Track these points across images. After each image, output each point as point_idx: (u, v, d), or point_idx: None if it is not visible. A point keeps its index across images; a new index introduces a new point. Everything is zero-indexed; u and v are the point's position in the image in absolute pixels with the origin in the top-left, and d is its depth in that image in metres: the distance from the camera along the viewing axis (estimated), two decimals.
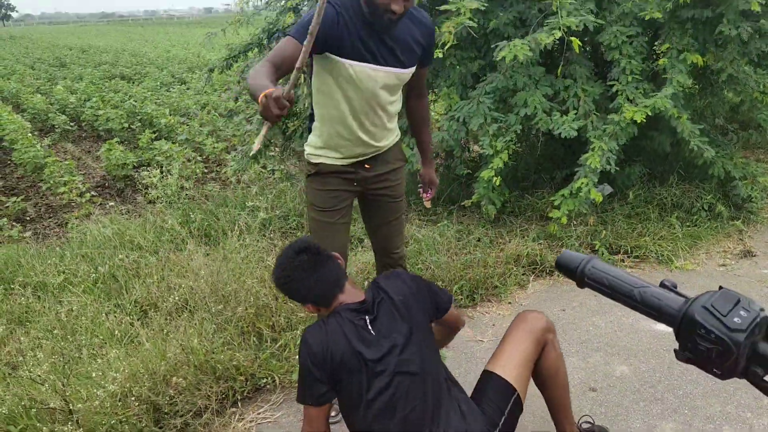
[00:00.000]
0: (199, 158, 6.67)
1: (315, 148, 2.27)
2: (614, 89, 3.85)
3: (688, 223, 4.13)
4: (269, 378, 2.69)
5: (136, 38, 29.80)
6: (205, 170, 6.44)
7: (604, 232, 3.97)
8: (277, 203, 4.36)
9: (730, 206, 4.26)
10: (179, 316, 2.99)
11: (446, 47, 3.54)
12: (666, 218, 4.16)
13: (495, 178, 3.75)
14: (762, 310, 0.72)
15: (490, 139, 3.83)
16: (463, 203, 4.18)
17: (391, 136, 2.33)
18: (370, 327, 1.79)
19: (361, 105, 2.11)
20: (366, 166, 2.30)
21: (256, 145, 1.63)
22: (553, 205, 3.80)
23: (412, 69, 2.15)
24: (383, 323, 1.80)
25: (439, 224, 4.10)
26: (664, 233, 3.98)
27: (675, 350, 0.76)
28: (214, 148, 6.98)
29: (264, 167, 5.75)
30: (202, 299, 3.05)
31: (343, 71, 2.00)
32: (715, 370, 0.72)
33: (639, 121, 3.61)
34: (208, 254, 3.60)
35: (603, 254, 3.77)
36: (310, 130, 2.29)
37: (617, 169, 3.80)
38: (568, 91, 3.91)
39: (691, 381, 2.61)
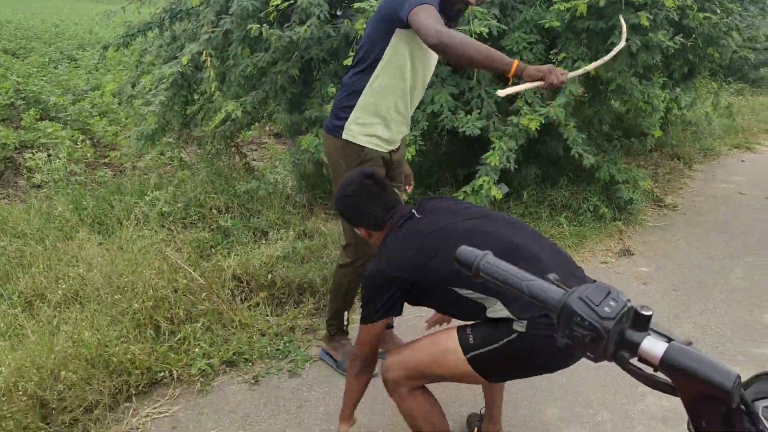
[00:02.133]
0: (89, 141, 6.29)
1: (364, 126, 2.34)
2: None
3: (575, 223, 4.41)
4: (166, 372, 2.60)
5: (21, 9, 27.53)
6: (96, 155, 6.09)
7: None
8: (179, 192, 4.20)
9: (613, 208, 4.58)
10: (69, 308, 2.82)
11: None
12: (556, 218, 4.42)
13: None
14: (628, 300, 0.81)
15: None
16: None
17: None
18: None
19: (418, 79, 2.35)
20: (394, 150, 2.49)
21: (509, 91, 1.94)
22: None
23: None
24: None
25: None
26: (553, 232, 4.22)
27: (555, 335, 0.84)
28: (105, 131, 6.61)
29: (162, 154, 5.52)
30: (95, 291, 2.90)
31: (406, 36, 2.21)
32: (588, 353, 0.80)
33: (533, 129, 3.81)
34: (101, 243, 3.42)
35: None
36: (343, 112, 2.35)
37: (516, 167, 4.00)
38: (473, 92, 4.05)
39: (571, 371, 2.78)
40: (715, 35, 4.33)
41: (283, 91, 4.11)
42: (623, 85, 4.09)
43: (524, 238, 1.78)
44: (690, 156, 6.46)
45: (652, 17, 3.72)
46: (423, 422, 1.85)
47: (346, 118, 2.34)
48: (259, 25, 3.67)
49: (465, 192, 3.85)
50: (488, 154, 3.84)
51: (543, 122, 3.85)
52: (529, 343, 1.65)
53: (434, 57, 2.37)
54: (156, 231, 3.67)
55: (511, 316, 1.66)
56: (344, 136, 2.35)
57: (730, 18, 4.40)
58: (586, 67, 2.12)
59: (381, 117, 2.34)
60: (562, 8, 3.82)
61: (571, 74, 2.04)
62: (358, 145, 2.35)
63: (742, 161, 6.73)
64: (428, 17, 2.01)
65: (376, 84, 2.29)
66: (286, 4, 3.73)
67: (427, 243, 1.81)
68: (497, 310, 1.68)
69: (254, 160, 5.94)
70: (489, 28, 3.68)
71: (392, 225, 1.96)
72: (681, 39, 4.01)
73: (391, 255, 1.86)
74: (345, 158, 2.38)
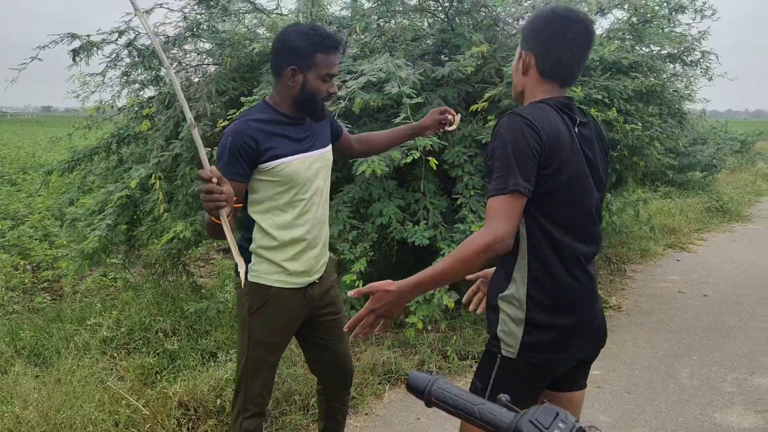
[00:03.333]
0: (28, 266, 6.09)
1: (268, 271, 2.11)
2: (458, 202, 4.19)
3: None
4: None
5: None
6: (35, 279, 5.87)
7: (454, 338, 4.15)
8: (122, 316, 4.06)
9: None
10: None
11: None
12: None
13: (357, 282, 3.83)
14: (577, 421, 0.84)
15: (349, 245, 3.94)
16: None
17: (327, 243, 2.29)
18: (576, 129, 1.68)
19: (304, 198, 2.10)
20: (315, 282, 2.21)
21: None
22: (408, 310, 3.93)
23: (330, 147, 2.25)
24: (587, 137, 1.71)
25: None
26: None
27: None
28: (46, 255, 6.42)
29: (104, 275, 5.38)
30: (30, 430, 2.69)
31: (280, 171, 2.02)
32: None
33: None
34: (38, 376, 3.23)
35: (453, 360, 3.92)
36: (245, 252, 2.12)
37: None
38: (419, 203, 4.19)
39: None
40: (639, 145, 4.67)
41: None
42: None
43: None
44: (628, 257, 6.72)
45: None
46: None
47: (249, 260, 2.12)
48: (209, 148, 3.75)
49: (418, 301, 3.87)
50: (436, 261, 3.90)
51: None
52: (518, 371, 1.69)
53: (312, 167, 2.12)
54: (97, 359, 3.50)
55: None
56: (250, 278, 2.11)
57: (651, 130, 4.76)
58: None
59: (282, 257, 2.10)
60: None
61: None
62: (264, 285, 2.11)
63: (678, 261, 7.04)
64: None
65: (263, 225, 2.09)
66: None
67: (564, 152, 1.62)
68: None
69: (202, 277, 5.84)
70: (431, 145, 3.87)
71: (553, 97, 1.69)
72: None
73: (541, 115, 1.61)
74: (249, 300, 2.13)
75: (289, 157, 2.04)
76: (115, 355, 3.61)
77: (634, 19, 4.89)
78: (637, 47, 4.93)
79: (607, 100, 4.21)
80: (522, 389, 1.70)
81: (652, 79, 4.61)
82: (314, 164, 2.12)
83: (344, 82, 3.74)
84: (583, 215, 1.70)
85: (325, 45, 1.99)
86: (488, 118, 4.17)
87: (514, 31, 4.70)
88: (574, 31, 1.65)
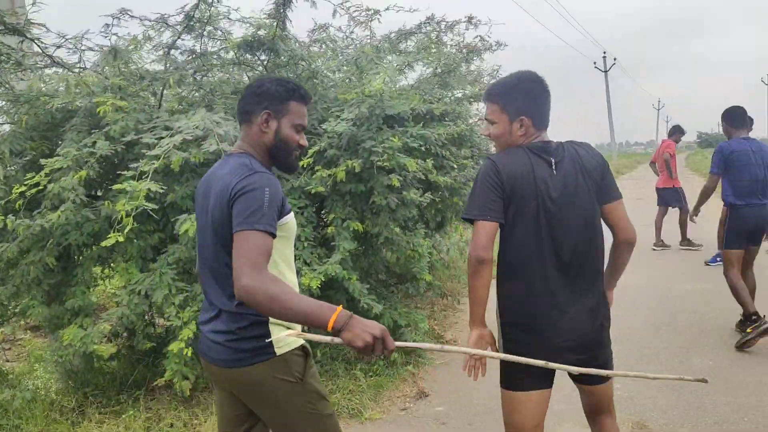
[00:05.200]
0: None
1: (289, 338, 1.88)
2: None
3: (370, 374, 4.45)
4: None
5: None
6: None
7: None
8: None
9: (402, 353, 4.74)
10: None
11: (126, 230, 3.35)
12: (352, 372, 4.42)
13: (186, 350, 3.56)
14: None
15: (176, 310, 3.67)
16: (154, 384, 3.85)
17: None
18: (554, 168, 2.13)
19: (291, 255, 2.08)
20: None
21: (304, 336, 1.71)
22: None
23: None
24: (566, 171, 2.14)
25: (123, 416, 3.65)
26: (351, 387, 4.20)
27: None
28: None
29: None
30: None
31: (291, 225, 1.99)
32: None
33: (315, 287, 3.90)
34: None
35: None
36: (253, 330, 1.87)
37: None
38: None
39: None
40: (456, 187, 4.98)
41: (38, 282, 3.71)
42: (390, 237, 4.43)
43: None
44: (458, 291, 7.07)
45: (402, 178, 4.17)
46: None
47: (265, 333, 1.86)
48: (3, 216, 3.34)
49: None
50: None
51: (324, 279, 3.96)
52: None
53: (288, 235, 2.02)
54: None
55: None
56: (278, 351, 1.88)
57: (465, 171, 5.11)
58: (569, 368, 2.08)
59: None
60: (324, 175, 4.10)
61: (403, 344, 1.73)
62: (297, 349, 1.94)
63: None
64: (250, 250, 1.70)
65: None
66: (35, 190, 3.47)
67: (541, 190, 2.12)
68: None
69: (8, 361, 5.14)
70: None
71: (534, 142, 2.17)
72: (430, 195, 4.53)
73: (509, 157, 2.15)
74: (287, 376, 1.90)
75: (290, 214, 2.00)
76: None
77: (438, 70, 5.27)
78: (444, 94, 5.31)
79: (423, 148, 4.45)
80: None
81: (462, 125, 4.97)
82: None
83: (159, 139, 3.54)
84: (565, 235, 2.15)
85: (299, 94, 2.01)
86: (316, 168, 4.20)
87: (332, 84, 4.83)
88: (540, 86, 2.20)
